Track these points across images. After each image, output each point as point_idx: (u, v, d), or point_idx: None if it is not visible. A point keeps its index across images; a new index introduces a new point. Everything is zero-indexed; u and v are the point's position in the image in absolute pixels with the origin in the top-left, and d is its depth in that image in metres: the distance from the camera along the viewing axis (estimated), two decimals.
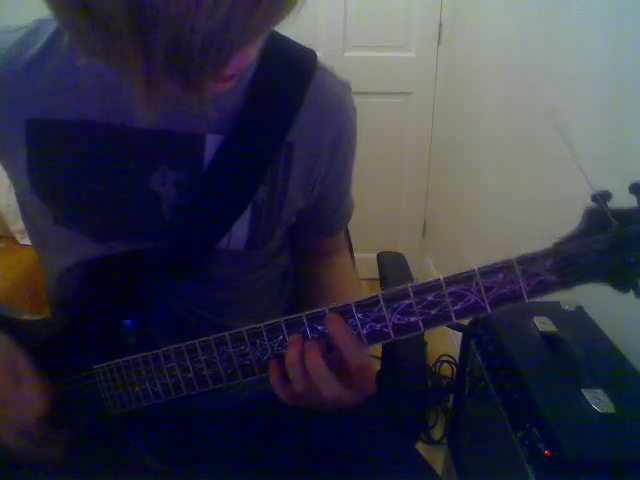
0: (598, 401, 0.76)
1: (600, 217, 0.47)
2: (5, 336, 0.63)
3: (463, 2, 2.01)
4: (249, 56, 0.44)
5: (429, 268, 2.47)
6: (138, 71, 0.38)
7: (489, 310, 0.50)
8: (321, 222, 0.79)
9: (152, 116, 0.41)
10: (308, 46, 0.67)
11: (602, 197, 0.47)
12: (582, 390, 0.78)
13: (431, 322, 0.51)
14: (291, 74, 0.64)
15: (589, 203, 0.49)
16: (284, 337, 0.54)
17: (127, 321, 0.64)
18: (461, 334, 1.16)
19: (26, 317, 0.72)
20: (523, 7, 1.46)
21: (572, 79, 1.15)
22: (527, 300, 0.49)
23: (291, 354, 0.53)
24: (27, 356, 0.62)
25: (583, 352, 0.85)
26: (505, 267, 0.49)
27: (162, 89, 0.39)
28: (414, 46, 2.23)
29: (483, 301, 0.49)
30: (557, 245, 0.48)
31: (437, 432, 1.68)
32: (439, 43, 2.21)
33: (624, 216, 0.47)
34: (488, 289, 0.49)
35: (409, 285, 0.51)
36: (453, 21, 2.12)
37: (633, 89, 0.94)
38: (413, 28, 2.20)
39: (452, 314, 0.50)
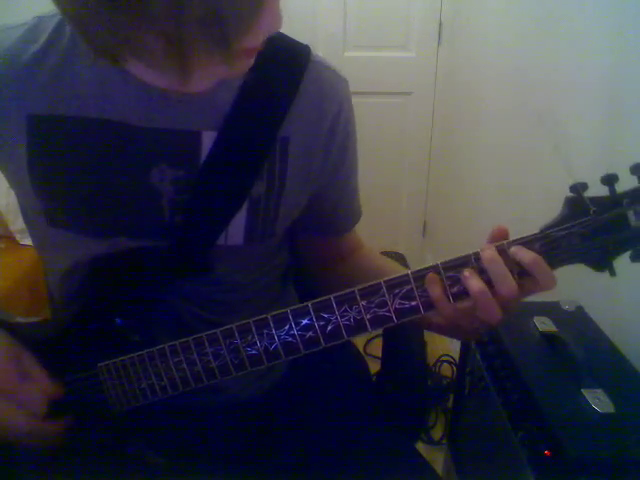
0: (598, 401, 0.76)
1: (579, 205, 0.53)
2: (8, 335, 0.64)
3: (463, 2, 2.01)
4: (275, 17, 0.44)
5: None
6: (170, 37, 0.39)
7: None
8: (327, 220, 0.78)
9: (188, 82, 0.43)
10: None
11: (580, 187, 0.53)
12: (582, 390, 0.78)
13: (431, 305, 0.55)
14: (284, 68, 0.64)
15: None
16: (291, 326, 0.57)
17: (118, 320, 0.64)
18: None
19: (20, 320, 0.72)
20: (523, 7, 1.46)
21: (571, 79, 1.15)
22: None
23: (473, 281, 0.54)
24: (30, 353, 0.63)
25: (583, 352, 0.85)
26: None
27: (194, 53, 0.41)
28: (414, 46, 2.23)
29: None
30: (544, 230, 0.53)
31: (437, 432, 1.68)
32: (439, 43, 2.21)
33: (600, 203, 0.52)
34: (482, 271, 0.53)
35: (409, 271, 0.55)
36: (453, 21, 2.12)
37: (633, 90, 0.94)
38: (413, 28, 2.20)
39: (450, 296, 0.54)
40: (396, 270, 0.73)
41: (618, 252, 0.53)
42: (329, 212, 0.77)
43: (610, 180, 0.52)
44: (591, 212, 0.52)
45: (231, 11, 0.39)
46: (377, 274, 0.75)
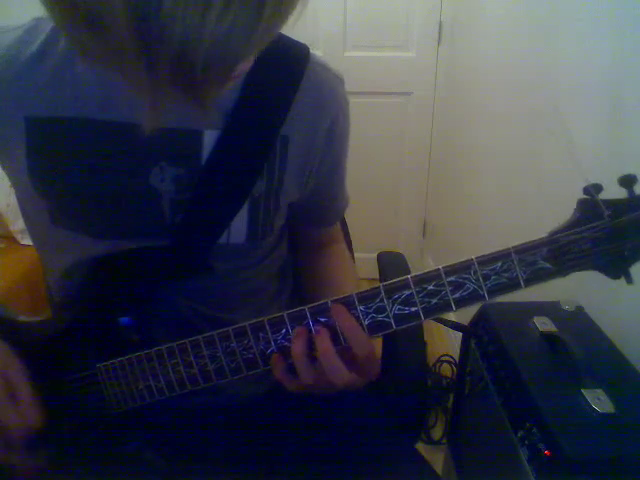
0: (598, 401, 0.76)
1: (593, 207, 0.50)
2: (1, 344, 0.63)
3: (463, 2, 2.01)
4: (250, 61, 0.44)
5: (429, 268, 2.46)
6: (142, 80, 0.38)
7: (487, 298, 0.52)
8: (317, 213, 0.80)
9: (158, 118, 0.41)
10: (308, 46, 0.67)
11: (594, 188, 0.50)
12: (582, 390, 0.78)
13: (432, 311, 0.53)
14: (285, 68, 0.64)
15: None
16: (287, 330, 0.55)
17: (123, 319, 0.64)
18: (461, 334, 1.16)
19: (23, 319, 0.72)
20: (523, 7, 1.46)
21: (572, 79, 1.15)
22: (524, 287, 0.51)
23: (297, 345, 0.54)
24: (24, 363, 0.62)
25: (583, 352, 0.85)
26: (502, 256, 0.51)
27: (166, 94, 0.39)
28: (414, 46, 2.23)
29: (481, 289, 0.51)
30: (552, 234, 0.51)
31: (437, 432, 1.68)
32: (439, 43, 2.21)
33: (616, 206, 0.50)
34: (486, 277, 0.51)
35: (409, 276, 0.53)
36: (453, 21, 2.12)
37: (634, 89, 0.94)
38: (413, 28, 2.20)
39: (452, 303, 0.52)
40: (347, 283, 0.74)
41: (636, 258, 0.51)
42: (325, 205, 0.78)
43: (629, 182, 0.50)
44: (605, 216, 0.50)
45: (203, 72, 0.37)
46: (332, 281, 0.76)
